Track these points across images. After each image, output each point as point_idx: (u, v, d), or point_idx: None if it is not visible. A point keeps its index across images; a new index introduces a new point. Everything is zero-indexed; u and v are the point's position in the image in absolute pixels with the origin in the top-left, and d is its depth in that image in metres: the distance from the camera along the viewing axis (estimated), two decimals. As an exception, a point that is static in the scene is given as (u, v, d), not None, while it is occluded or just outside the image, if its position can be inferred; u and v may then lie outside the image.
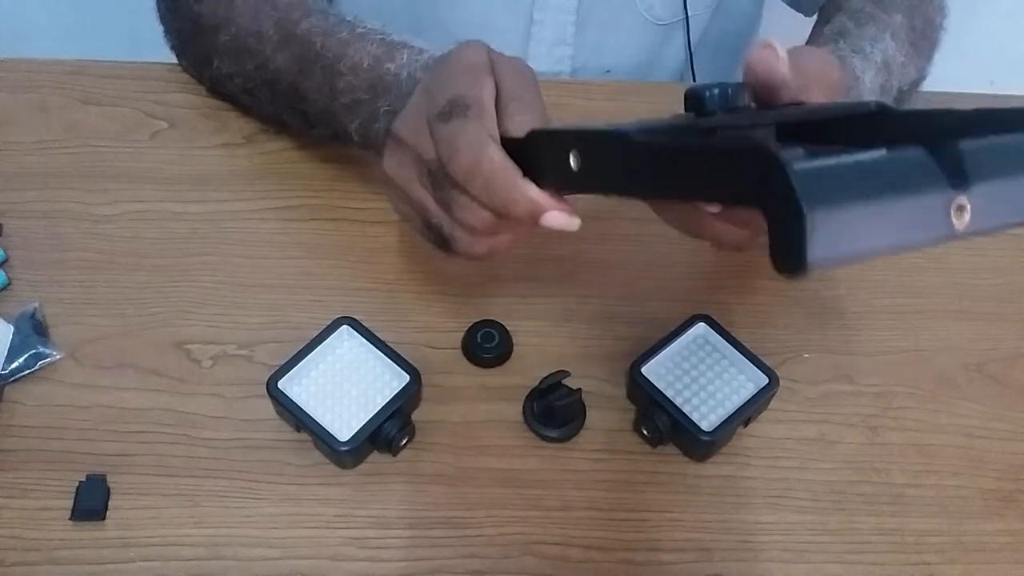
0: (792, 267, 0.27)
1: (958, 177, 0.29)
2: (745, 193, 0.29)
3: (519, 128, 0.43)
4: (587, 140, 0.39)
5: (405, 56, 0.53)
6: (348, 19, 0.58)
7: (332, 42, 0.56)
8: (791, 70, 0.42)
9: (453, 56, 0.47)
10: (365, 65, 0.54)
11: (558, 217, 0.42)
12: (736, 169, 0.30)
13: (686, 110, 0.41)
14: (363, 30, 0.56)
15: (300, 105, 0.60)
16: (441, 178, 0.44)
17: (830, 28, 0.65)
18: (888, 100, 0.60)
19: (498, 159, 0.42)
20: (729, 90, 0.40)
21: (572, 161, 0.39)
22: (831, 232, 0.26)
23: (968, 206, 0.29)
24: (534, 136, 0.42)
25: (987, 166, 0.30)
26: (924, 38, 0.67)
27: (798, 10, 0.85)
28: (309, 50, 0.57)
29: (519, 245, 0.48)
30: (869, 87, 0.57)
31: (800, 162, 0.27)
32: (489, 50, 0.47)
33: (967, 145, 0.30)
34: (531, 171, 0.42)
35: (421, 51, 0.54)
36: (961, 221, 0.29)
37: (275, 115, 0.65)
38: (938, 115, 0.38)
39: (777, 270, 0.27)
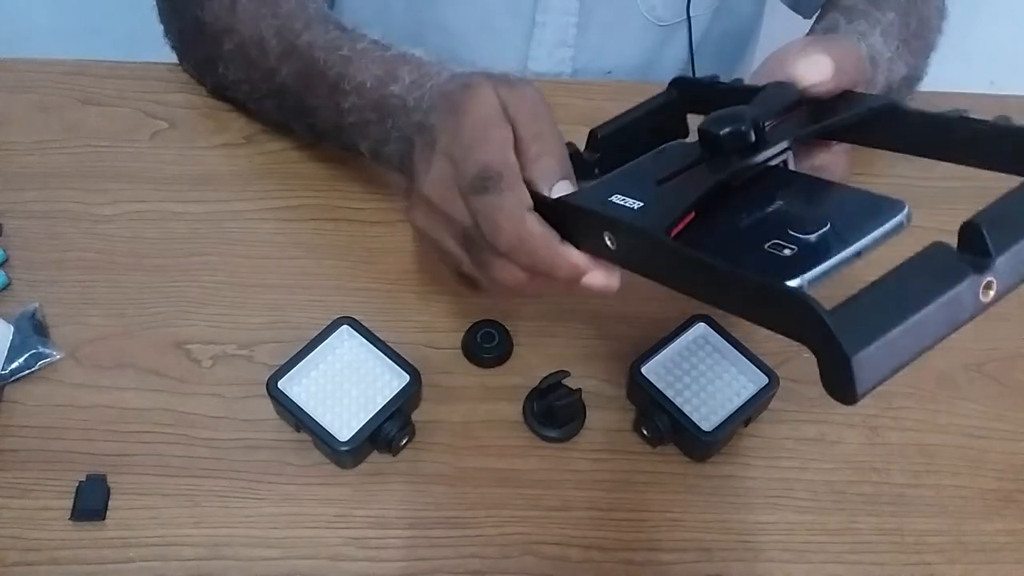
0: (845, 399, 0.29)
1: (982, 257, 0.31)
2: (788, 326, 0.31)
3: (545, 172, 0.43)
4: (617, 230, 0.40)
5: (406, 76, 0.52)
6: (347, 29, 0.58)
7: (334, 58, 0.56)
8: (834, 72, 0.43)
9: (464, 107, 0.45)
10: (368, 86, 0.54)
11: (599, 278, 0.43)
12: (776, 305, 0.31)
13: (702, 148, 0.40)
14: (363, 45, 0.56)
15: (309, 119, 0.60)
16: (480, 243, 0.44)
17: (822, 25, 0.65)
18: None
19: (538, 230, 0.42)
20: (743, 128, 0.39)
21: (608, 241, 0.40)
22: (875, 362, 0.29)
23: (995, 281, 0.31)
24: (565, 208, 0.42)
25: (1005, 232, 0.31)
26: (918, 37, 0.67)
27: (797, 11, 0.85)
28: (312, 66, 0.57)
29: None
30: None
31: (839, 310, 0.29)
32: (496, 88, 0.45)
33: (983, 217, 0.31)
34: (568, 232, 0.43)
35: (420, 65, 0.53)
36: (988, 296, 0.31)
37: (283, 123, 0.65)
38: (948, 119, 0.39)
39: (833, 397, 0.30)
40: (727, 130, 0.39)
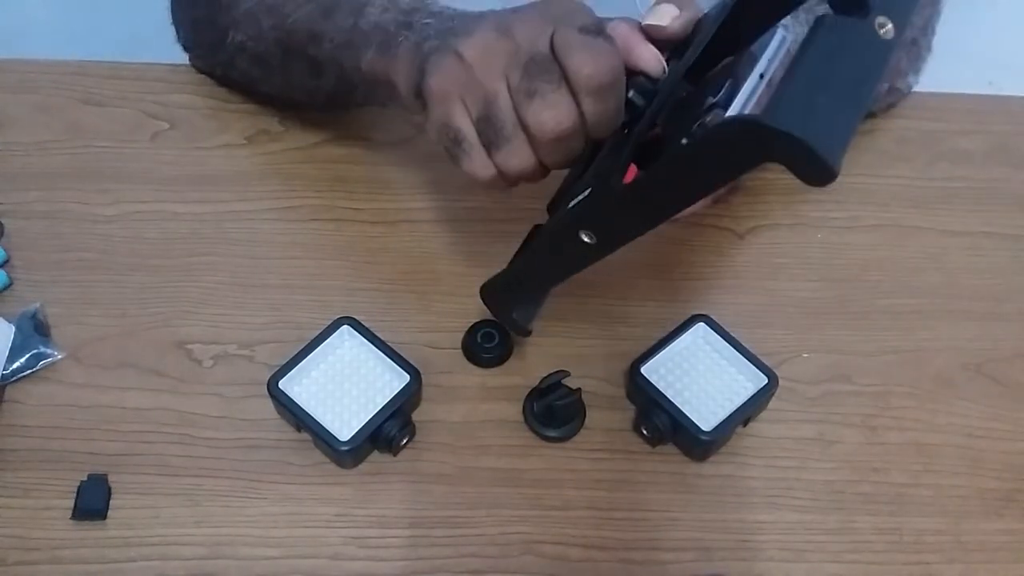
0: (828, 180, 0.31)
1: (861, 9, 0.34)
2: (752, 158, 0.33)
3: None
4: (585, 218, 0.43)
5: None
6: None
7: None
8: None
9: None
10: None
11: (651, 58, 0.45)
12: (735, 147, 0.34)
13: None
14: None
15: (313, 50, 0.58)
16: (544, 68, 0.43)
17: None
18: None
19: (622, 27, 0.45)
20: (642, 80, 0.44)
21: (585, 237, 0.43)
22: (829, 137, 0.31)
23: (887, 21, 0.34)
24: (544, 235, 0.47)
25: None
26: (906, 51, 0.67)
27: None
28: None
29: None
30: None
31: (770, 113, 0.31)
32: None
33: None
34: (556, 258, 0.47)
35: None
36: (886, 30, 0.34)
37: (283, 82, 0.64)
38: None
39: (818, 186, 0.32)
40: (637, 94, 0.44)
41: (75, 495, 0.53)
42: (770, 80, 0.41)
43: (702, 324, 0.57)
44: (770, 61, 0.42)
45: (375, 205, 0.66)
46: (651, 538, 0.54)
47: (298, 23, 0.59)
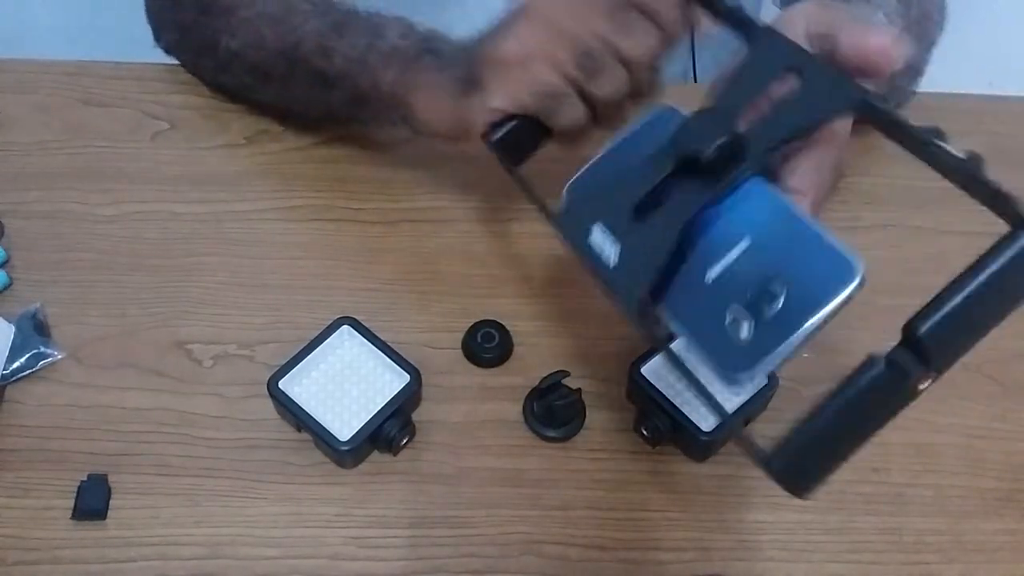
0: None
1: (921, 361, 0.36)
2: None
3: None
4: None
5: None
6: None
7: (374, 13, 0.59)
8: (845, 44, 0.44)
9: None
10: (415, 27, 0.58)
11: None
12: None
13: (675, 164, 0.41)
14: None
15: (322, 63, 0.59)
16: (623, 6, 0.49)
17: None
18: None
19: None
20: (717, 145, 0.40)
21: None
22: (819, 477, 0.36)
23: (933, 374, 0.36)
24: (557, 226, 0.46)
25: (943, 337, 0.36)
26: (919, 25, 0.66)
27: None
28: (350, 15, 0.59)
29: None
30: None
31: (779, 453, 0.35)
32: None
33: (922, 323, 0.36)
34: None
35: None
36: (925, 384, 0.36)
37: (280, 91, 0.65)
38: (919, 141, 0.40)
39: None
40: (705, 151, 0.39)
41: (75, 495, 0.53)
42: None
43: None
44: (824, 320, 0.40)
45: (375, 205, 0.66)
46: (651, 538, 0.54)
47: (307, 35, 0.60)
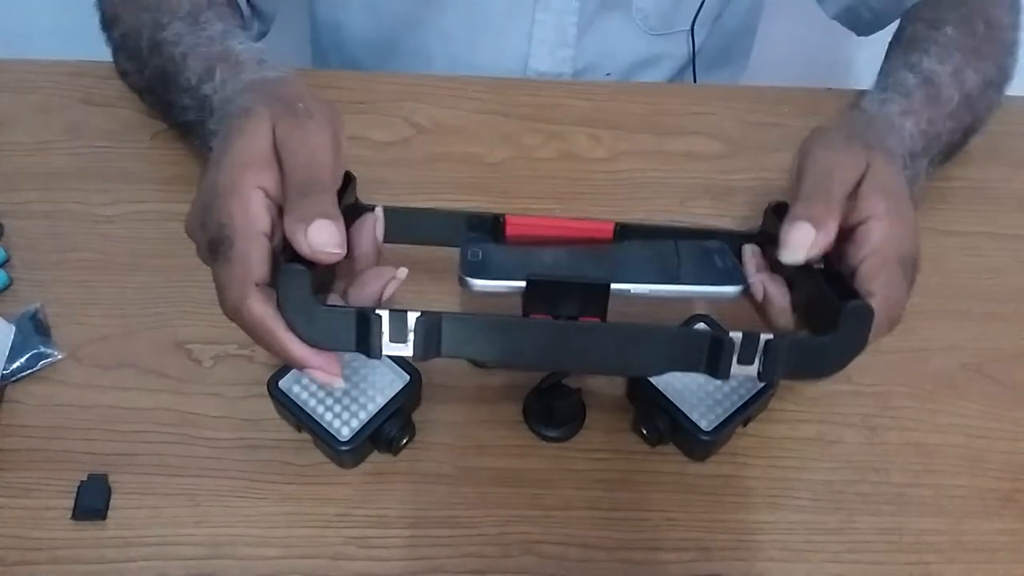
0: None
1: None
2: None
3: (303, 214, 0.41)
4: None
5: (219, 74, 0.53)
6: (201, 22, 0.58)
7: (178, 54, 0.57)
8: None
9: (232, 142, 0.43)
10: (192, 84, 0.55)
11: (319, 375, 0.43)
12: None
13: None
14: (198, 39, 0.56)
15: (170, 116, 0.60)
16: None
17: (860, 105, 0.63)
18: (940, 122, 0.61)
19: (257, 313, 0.41)
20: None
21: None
22: None
23: None
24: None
25: None
26: (988, 40, 0.66)
27: (853, 30, 0.81)
28: (167, 63, 0.58)
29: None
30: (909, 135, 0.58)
31: None
32: (274, 121, 0.43)
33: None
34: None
35: (236, 64, 0.53)
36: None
37: (144, 87, 0.65)
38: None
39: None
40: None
41: (75, 495, 0.53)
42: None
43: (702, 324, 0.57)
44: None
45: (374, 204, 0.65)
46: (651, 538, 0.54)
47: (153, 81, 0.60)
